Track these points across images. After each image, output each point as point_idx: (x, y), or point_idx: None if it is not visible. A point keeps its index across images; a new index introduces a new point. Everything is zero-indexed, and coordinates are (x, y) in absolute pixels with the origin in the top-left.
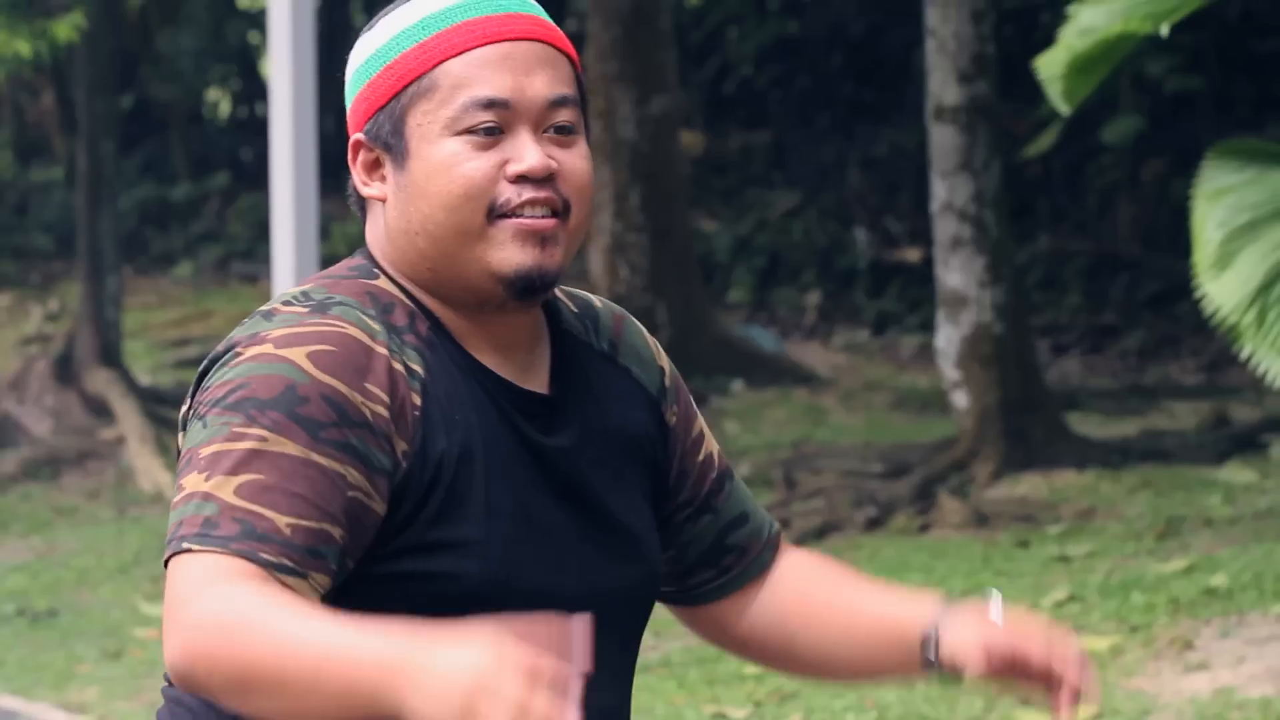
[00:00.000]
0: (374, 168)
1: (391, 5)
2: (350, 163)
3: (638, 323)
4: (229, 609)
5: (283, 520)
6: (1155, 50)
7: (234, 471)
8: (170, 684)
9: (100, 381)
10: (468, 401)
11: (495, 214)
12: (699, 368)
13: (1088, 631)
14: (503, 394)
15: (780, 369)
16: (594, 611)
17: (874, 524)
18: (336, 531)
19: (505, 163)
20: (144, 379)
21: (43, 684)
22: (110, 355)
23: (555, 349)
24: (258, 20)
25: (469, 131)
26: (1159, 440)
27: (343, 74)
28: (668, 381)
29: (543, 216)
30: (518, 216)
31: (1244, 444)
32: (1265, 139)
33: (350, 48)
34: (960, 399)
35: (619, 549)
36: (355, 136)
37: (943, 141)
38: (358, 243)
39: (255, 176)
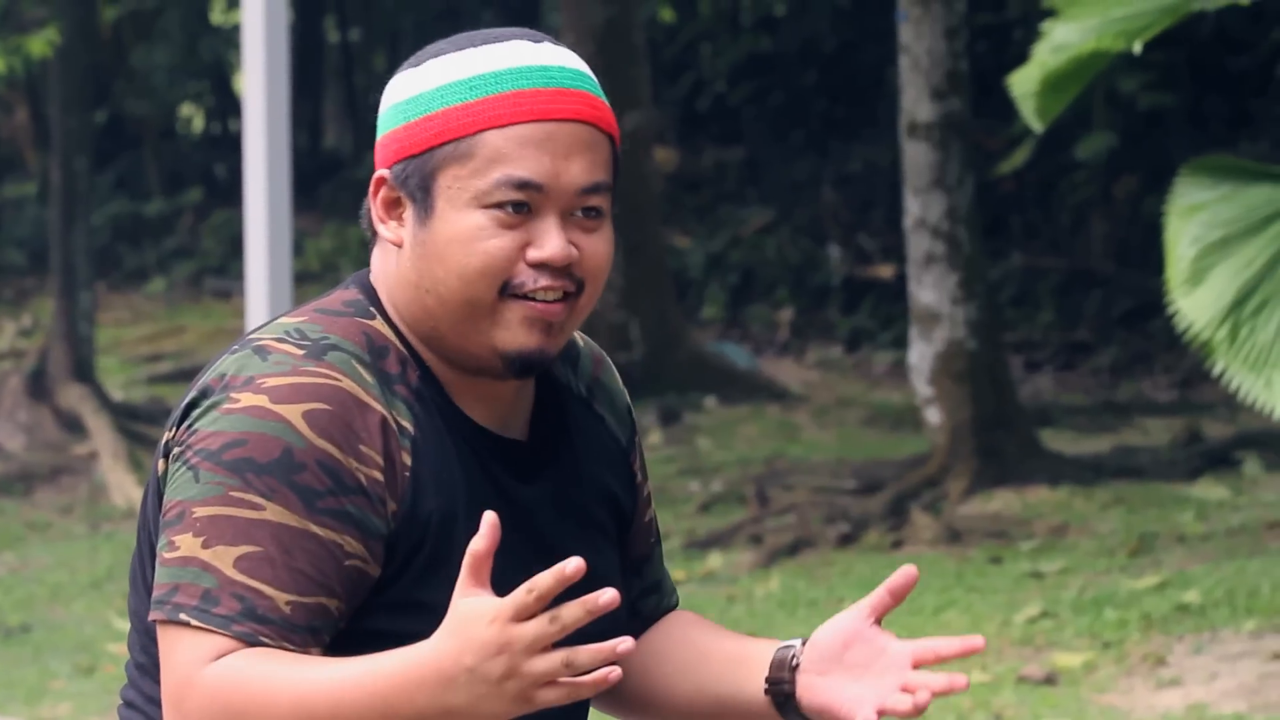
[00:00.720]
0: (393, 206)
1: (441, 46)
2: (370, 196)
3: (614, 369)
4: (231, 681)
5: (283, 598)
6: (1128, 67)
7: (234, 542)
8: (128, 705)
9: (73, 397)
10: (453, 459)
11: (507, 292)
12: (672, 384)
13: (1060, 648)
14: (484, 446)
15: (753, 385)
16: None
17: (846, 540)
18: (333, 604)
19: (527, 244)
20: (117, 395)
21: (15, 699)
22: (83, 371)
23: (538, 391)
24: (231, 36)
25: (497, 206)
26: (1132, 457)
27: (321, 91)
28: (635, 435)
29: (554, 301)
30: (529, 299)
31: (1217, 460)
32: (1238, 156)
33: (324, 64)
34: (933, 415)
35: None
36: (381, 173)
37: (916, 158)
38: (331, 259)
39: (228, 192)
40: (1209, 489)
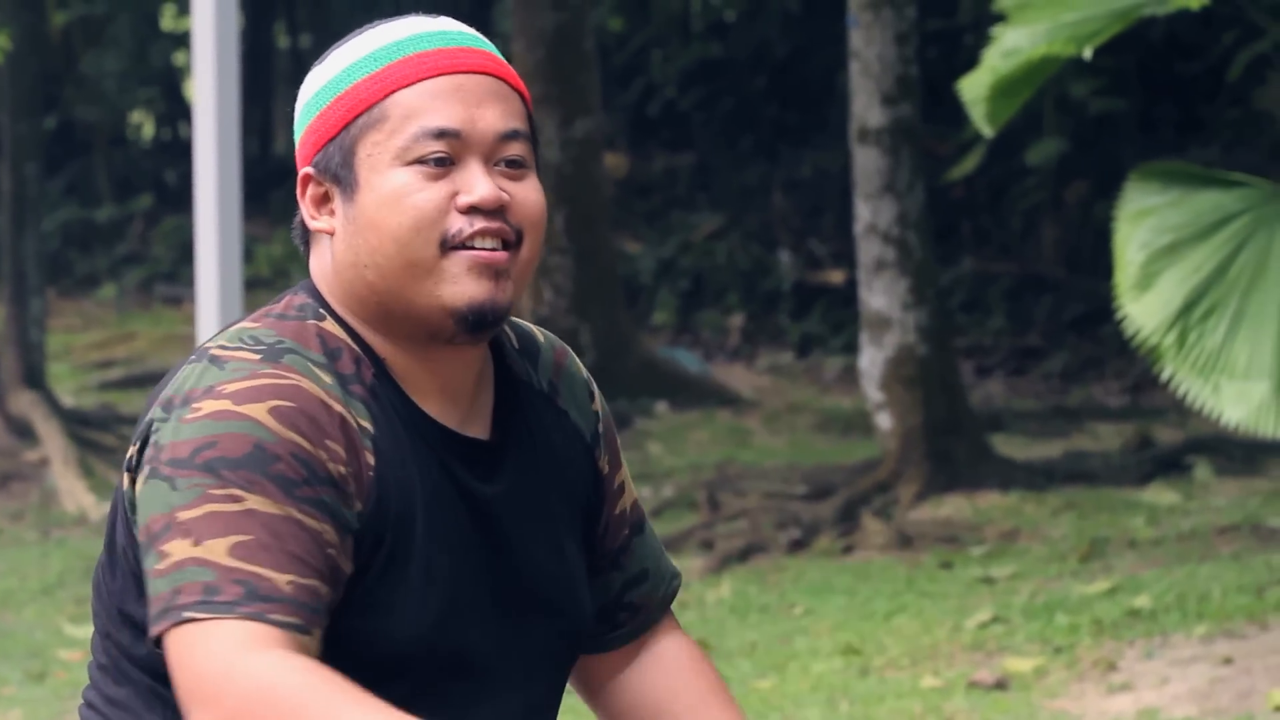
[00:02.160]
0: (323, 202)
1: (343, 40)
2: (299, 197)
3: (578, 361)
4: (272, 686)
5: (283, 579)
6: (1079, 72)
7: (224, 534)
8: (88, 705)
9: (24, 403)
10: (410, 458)
11: (447, 246)
12: (623, 389)
13: (1011, 653)
14: (443, 444)
15: (704, 391)
16: (519, 663)
17: (797, 545)
18: (324, 588)
19: (455, 194)
20: (67, 401)
21: None
22: (34, 377)
23: (498, 389)
24: (182, 42)
25: (419, 161)
26: (1082, 462)
27: (271, 97)
28: (601, 427)
29: (494, 249)
30: (470, 248)
31: (1167, 466)
32: (1188, 161)
33: (274, 69)
34: (884, 421)
35: (548, 601)
36: (304, 170)
37: (866, 164)
38: (281, 265)
39: (179, 198)
40: (1160, 494)
